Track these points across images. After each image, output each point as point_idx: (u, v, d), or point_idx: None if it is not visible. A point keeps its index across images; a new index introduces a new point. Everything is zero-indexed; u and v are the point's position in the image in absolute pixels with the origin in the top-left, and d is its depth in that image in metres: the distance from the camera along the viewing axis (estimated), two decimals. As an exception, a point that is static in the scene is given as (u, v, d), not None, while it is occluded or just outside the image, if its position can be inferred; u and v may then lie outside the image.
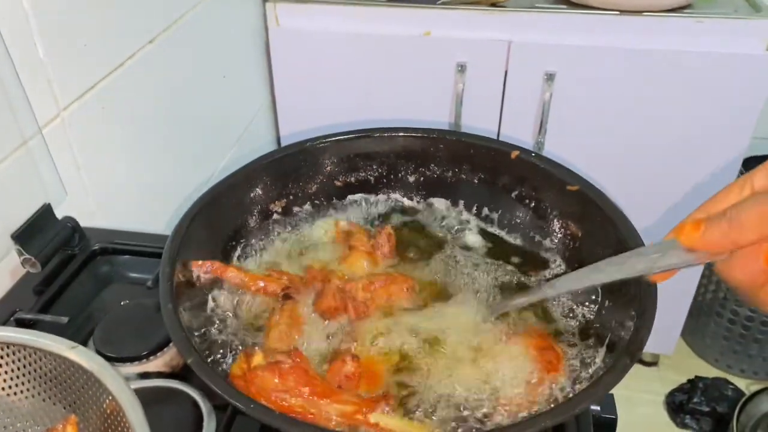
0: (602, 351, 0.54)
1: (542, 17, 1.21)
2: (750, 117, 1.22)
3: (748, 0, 1.24)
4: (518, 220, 0.67)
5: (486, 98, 1.28)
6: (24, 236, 0.70)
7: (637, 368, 1.63)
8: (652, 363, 1.69)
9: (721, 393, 1.54)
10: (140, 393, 0.44)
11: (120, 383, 0.44)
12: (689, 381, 1.60)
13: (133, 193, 0.94)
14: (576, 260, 0.63)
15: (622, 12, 1.19)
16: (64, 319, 0.66)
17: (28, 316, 0.66)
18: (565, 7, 1.22)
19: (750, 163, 1.54)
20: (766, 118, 1.24)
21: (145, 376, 0.61)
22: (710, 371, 1.65)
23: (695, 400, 1.54)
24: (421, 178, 0.71)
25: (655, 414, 1.59)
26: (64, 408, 0.48)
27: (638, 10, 1.18)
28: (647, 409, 1.60)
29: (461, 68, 1.25)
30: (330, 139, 0.67)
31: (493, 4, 1.24)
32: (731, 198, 0.39)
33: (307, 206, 0.71)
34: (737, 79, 1.19)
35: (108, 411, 0.44)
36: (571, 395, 0.52)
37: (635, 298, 0.51)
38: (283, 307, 0.59)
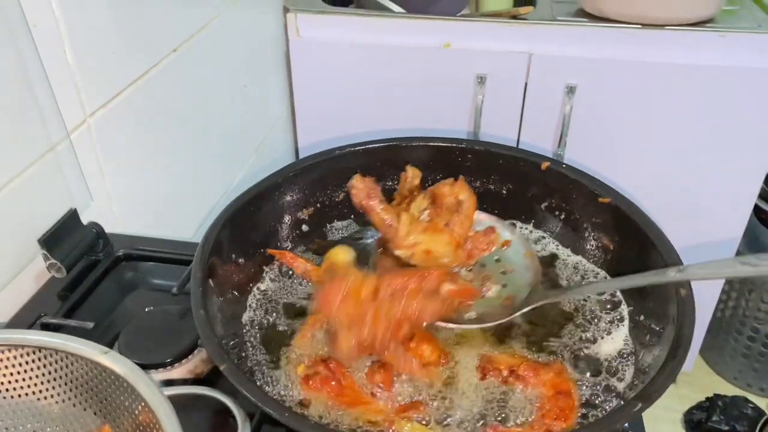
0: (631, 370, 0.53)
1: (563, 30, 1.21)
2: (772, 132, 1.21)
3: (771, 14, 1.24)
4: (549, 232, 0.66)
5: (506, 110, 1.28)
6: (50, 241, 0.70)
7: (654, 385, 1.60)
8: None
9: (740, 412, 1.52)
10: (172, 399, 0.43)
11: (153, 389, 0.43)
12: (708, 399, 1.57)
13: (155, 200, 0.94)
14: (609, 271, 0.62)
15: (644, 25, 1.18)
16: (90, 325, 0.66)
17: (54, 321, 0.66)
18: (586, 20, 1.22)
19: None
20: (788, 132, 1.23)
21: (169, 383, 0.60)
22: (729, 389, 1.63)
23: (714, 418, 1.52)
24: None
25: (674, 432, 1.57)
26: (95, 413, 0.47)
27: (660, 24, 1.18)
28: (666, 427, 1.57)
29: (481, 80, 1.25)
30: (359, 147, 0.67)
31: (514, 17, 1.24)
32: None
33: (336, 223, 0.72)
34: (759, 93, 1.18)
35: (140, 417, 0.44)
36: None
37: (673, 318, 0.50)
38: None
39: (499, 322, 0.58)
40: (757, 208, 1.50)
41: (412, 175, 0.65)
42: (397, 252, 0.61)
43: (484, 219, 0.66)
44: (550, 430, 0.52)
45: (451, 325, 0.57)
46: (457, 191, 0.62)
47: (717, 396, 1.56)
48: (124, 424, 0.45)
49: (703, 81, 1.19)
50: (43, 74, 0.69)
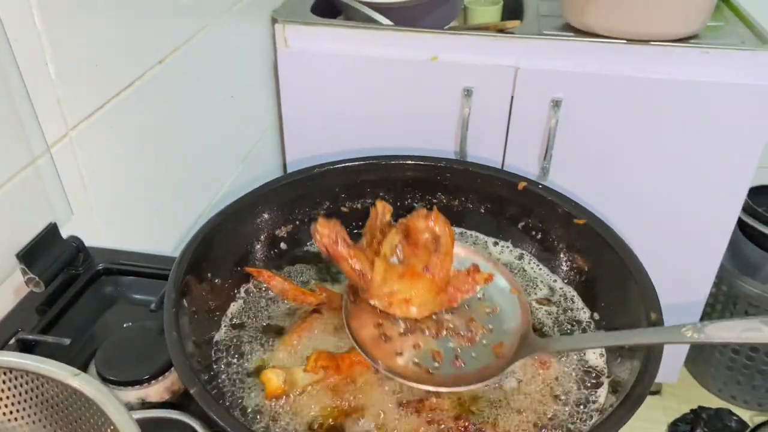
0: (604, 390, 0.54)
1: (550, 44, 1.22)
2: (756, 147, 1.22)
3: (755, 31, 1.25)
4: (527, 252, 0.67)
5: (492, 123, 1.28)
6: (29, 255, 0.69)
7: (639, 397, 1.61)
8: (655, 392, 1.67)
9: (724, 424, 1.53)
10: (141, 423, 0.43)
11: (122, 413, 0.43)
12: (692, 411, 1.58)
13: (139, 213, 0.94)
14: (583, 292, 0.62)
15: (630, 41, 1.19)
16: (66, 341, 0.66)
17: (30, 337, 0.66)
18: (572, 34, 1.23)
19: (755, 193, 1.55)
20: (772, 148, 1.24)
21: (146, 400, 0.60)
22: (713, 401, 1.63)
23: (698, 430, 1.53)
24: (428, 207, 0.71)
25: (658, 443, 1.58)
26: None
27: (645, 40, 1.19)
28: (650, 439, 1.58)
29: (468, 93, 1.25)
30: (338, 166, 0.68)
31: (501, 31, 1.24)
32: None
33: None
34: (743, 109, 1.19)
35: None
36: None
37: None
38: (306, 318, 0.59)
39: (492, 381, 0.56)
40: (740, 222, 1.51)
41: (382, 211, 0.61)
42: (373, 302, 0.57)
43: (462, 253, 0.63)
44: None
45: (443, 389, 0.55)
46: (432, 226, 0.58)
47: (701, 408, 1.57)
48: None
49: (688, 96, 1.20)
50: (23, 88, 0.69)
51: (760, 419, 1.42)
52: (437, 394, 0.55)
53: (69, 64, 0.74)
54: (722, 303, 1.58)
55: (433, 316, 0.59)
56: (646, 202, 1.32)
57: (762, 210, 1.52)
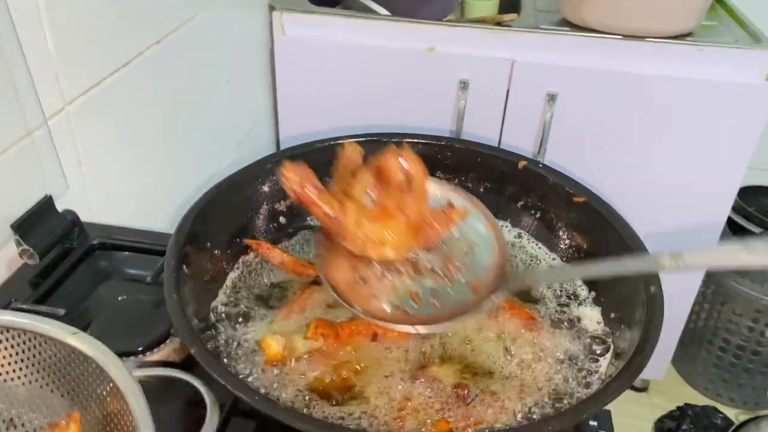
0: (606, 359, 0.54)
1: (546, 38, 1.23)
2: (747, 146, 1.23)
3: (748, 30, 1.26)
4: (525, 230, 0.67)
5: (487, 116, 1.29)
6: (23, 227, 0.69)
7: (627, 393, 1.62)
8: (642, 389, 1.69)
9: (710, 421, 1.54)
10: (142, 382, 0.43)
11: (122, 370, 0.43)
12: (678, 408, 1.59)
13: (133, 191, 0.93)
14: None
15: (625, 37, 1.20)
16: (61, 311, 0.65)
17: (24, 306, 0.65)
18: (568, 29, 1.24)
19: (746, 193, 1.56)
20: (763, 148, 1.26)
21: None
22: (699, 399, 1.65)
23: (684, 427, 1.54)
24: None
25: (644, 440, 1.58)
26: (63, 396, 0.47)
27: (641, 36, 1.20)
28: (636, 435, 1.59)
29: (464, 85, 1.26)
30: (339, 141, 0.67)
31: (498, 23, 1.25)
32: None
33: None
34: (736, 108, 1.21)
35: (109, 400, 0.43)
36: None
37: (643, 306, 0.51)
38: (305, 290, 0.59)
39: (468, 315, 0.55)
40: (730, 221, 1.53)
41: (351, 151, 0.59)
42: (347, 245, 0.56)
43: (437, 192, 0.61)
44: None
45: (422, 330, 0.54)
46: (404, 164, 0.55)
47: (687, 405, 1.58)
48: (92, 406, 0.45)
49: (681, 93, 1.21)
50: (22, 59, 0.68)
51: (745, 417, 1.43)
52: (437, 362, 0.55)
53: (68, 39, 0.74)
54: (710, 302, 1.59)
55: (410, 256, 0.58)
56: (636, 199, 1.33)
57: (752, 210, 1.54)
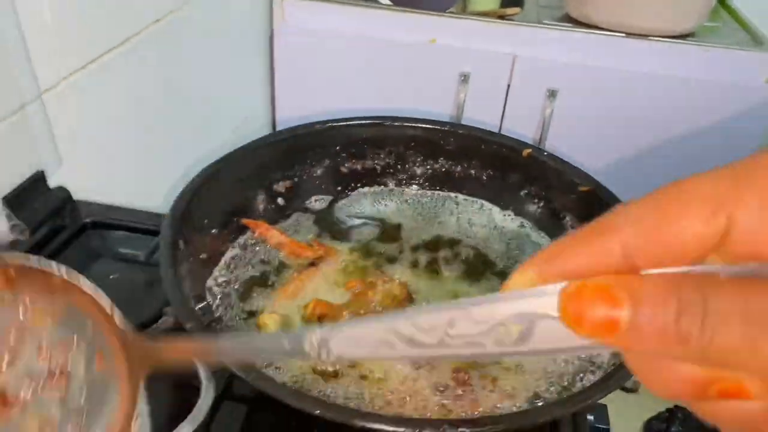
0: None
1: (548, 34, 1.22)
2: (748, 147, 1.23)
3: (750, 32, 1.26)
4: (528, 218, 0.66)
5: (487, 109, 1.28)
6: (14, 201, 0.67)
7: (617, 394, 1.61)
8: (633, 389, 1.68)
9: (699, 423, 1.52)
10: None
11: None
12: (668, 410, 1.59)
13: (127, 170, 0.92)
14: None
15: (628, 35, 1.19)
16: (52, 286, 0.63)
17: (14, 281, 0.63)
18: (571, 25, 1.23)
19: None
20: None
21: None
22: (689, 402, 1.64)
23: (673, 429, 1.54)
24: (429, 171, 0.70)
25: (633, 442, 1.58)
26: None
27: (644, 34, 1.19)
28: (625, 436, 1.58)
29: (464, 78, 1.25)
30: (341, 123, 0.66)
31: (501, 17, 1.24)
32: (687, 231, 0.18)
33: (313, 198, 0.70)
34: (737, 108, 1.20)
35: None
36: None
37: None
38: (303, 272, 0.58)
39: None
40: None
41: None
42: None
43: None
44: None
45: None
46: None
47: (677, 407, 1.58)
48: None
49: (683, 92, 1.20)
50: (18, 30, 0.67)
51: (735, 420, 1.43)
52: None
53: (66, 13, 0.72)
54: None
55: None
56: (637, 198, 1.32)
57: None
